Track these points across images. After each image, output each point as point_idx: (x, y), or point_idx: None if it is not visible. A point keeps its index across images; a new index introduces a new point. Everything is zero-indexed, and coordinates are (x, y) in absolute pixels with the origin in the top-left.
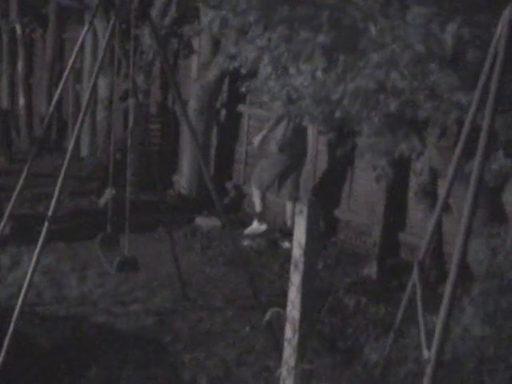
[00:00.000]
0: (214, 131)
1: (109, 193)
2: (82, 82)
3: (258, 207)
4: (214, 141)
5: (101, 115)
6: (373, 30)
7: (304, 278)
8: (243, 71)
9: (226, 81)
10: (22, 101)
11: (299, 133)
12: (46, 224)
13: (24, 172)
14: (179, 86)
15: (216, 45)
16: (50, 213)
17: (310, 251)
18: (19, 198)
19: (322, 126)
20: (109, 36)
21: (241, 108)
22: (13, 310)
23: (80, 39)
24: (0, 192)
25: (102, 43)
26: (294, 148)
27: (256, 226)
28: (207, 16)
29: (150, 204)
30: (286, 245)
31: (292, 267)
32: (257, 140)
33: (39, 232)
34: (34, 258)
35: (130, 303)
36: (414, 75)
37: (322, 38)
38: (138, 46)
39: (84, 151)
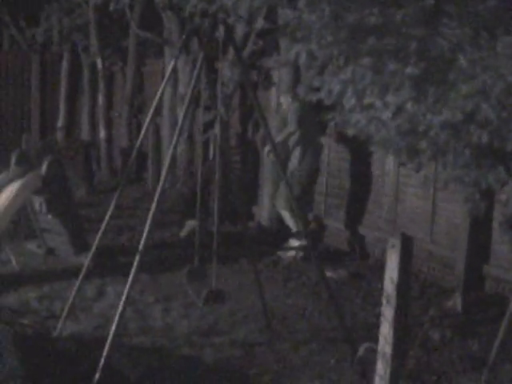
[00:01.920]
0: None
1: (190, 225)
2: (161, 114)
3: (293, 227)
4: None
5: (181, 147)
6: (462, 60)
7: (397, 314)
8: (327, 103)
9: None
10: (102, 133)
11: (316, 151)
12: (138, 257)
13: (112, 204)
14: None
15: (296, 76)
16: (141, 246)
17: (402, 286)
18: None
19: (406, 158)
20: (199, 68)
21: (321, 140)
22: (100, 340)
23: (168, 72)
24: (82, 223)
25: (183, 76)
26: (313, 165)
27: (292, 242)
28: (292, 49)
29: (232, 236)
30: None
31: (384, 302)
32: (268, 148)
33: (122, 263)
34: (126, 290)
35: (214, 335)
36: (505, 106)
37: (410, 70)
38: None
39: (165, 183)
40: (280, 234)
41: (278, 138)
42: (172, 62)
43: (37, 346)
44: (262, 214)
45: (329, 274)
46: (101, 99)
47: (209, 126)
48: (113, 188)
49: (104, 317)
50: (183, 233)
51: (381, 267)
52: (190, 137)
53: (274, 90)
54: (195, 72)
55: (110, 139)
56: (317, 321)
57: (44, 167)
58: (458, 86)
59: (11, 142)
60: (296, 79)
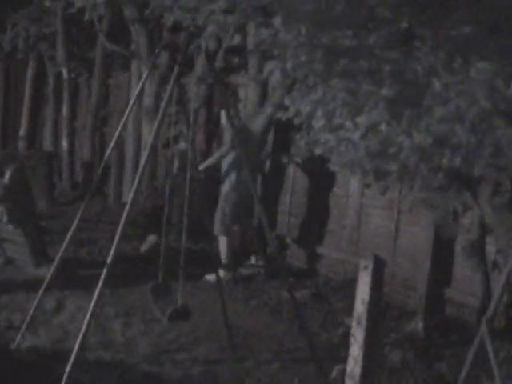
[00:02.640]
0: (259, 181)
1: (151, 239)
2: (125, 127)
3: (223, 255)
4: (258, 191)
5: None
6: (437, 84)
7: (367, 335)
8: (296, 122)
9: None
10: (65, 144)
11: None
12: (105, 271)
13: (77, 216)
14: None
15: (263, 94)
16: (109, 260)
17: (373, 308)
18: (61, 243)
19: (372, 180)
20: (173, 83)
21: (285, 158)
22: (59, 354)
23: (140, 84)
24: (43, 235)
25: (149, 89)
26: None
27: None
28: (266, 66)
29: (193, 252)
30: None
31: (354, 323)
32: (202, 168)
33: (82, 276)
34: (92, 304)
35: (175, 352)
36: (478, 131)
37: (385, 91)
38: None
39: (126, 197)
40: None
41: (210, 160)
42: (143, 76)
43: None
44: None
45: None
46: (65, 110)
47: (174, 140)
48: (73, 200)
49: (63, 330)
50: (144, 247)
51: (342, 287)
52: (154, 151)
53: (240, 107)
54: (169, 87)
55: (72, 151)
56: (279, 340)
57: (7, 176)
58: (432, 109)
59: None
60: (263, 97)
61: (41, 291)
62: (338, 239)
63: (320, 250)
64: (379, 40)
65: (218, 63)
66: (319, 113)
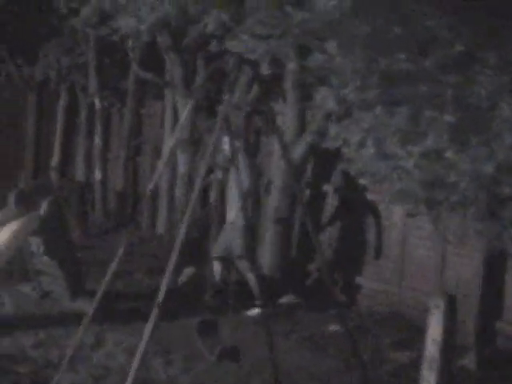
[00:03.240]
0: (298, 211)
1: (188, 272)
2: (160, 157)
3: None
4: (297, 221)
5: (179, 191)
6: (505, 109)
7: (439, 377)
8: (345, 151)
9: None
10: (98, 175)
11: None
12: (156, 310)
13: (120, 251)
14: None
15: (301, 123)
16: (159, 299)
17: (446, 348)
18: (97, 274)
19: (424, 210)
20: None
21: (326, 187)
22: None
23: (183, 115)
24: (80, 266)
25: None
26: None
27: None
28: (319, 92)
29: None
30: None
31: (426, 365)
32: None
33: (121, 310)
34: (142, 345)
35: None
36: None
37: (448, 118)
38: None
39: (160, 228)
40: (283, 282)
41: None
42: (189, 106)
43: None
44: (262, 262)
45: (333, 327)
46: (97, 140)
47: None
48: (107, 231)
49: (103, 367)
50: (181, 280)
51: (387, 320)
52: (190, 181)
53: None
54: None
55: (105, 181)
56: (326, 377)
57: (43, 207)
58: (501, 135)
59: (5, 179)
60: (301, 125)
61: (81, 328)
62: (381, 270)
63: (361, 281)
64: (437, 63)
65: (254, 92)
66: (369, 141)
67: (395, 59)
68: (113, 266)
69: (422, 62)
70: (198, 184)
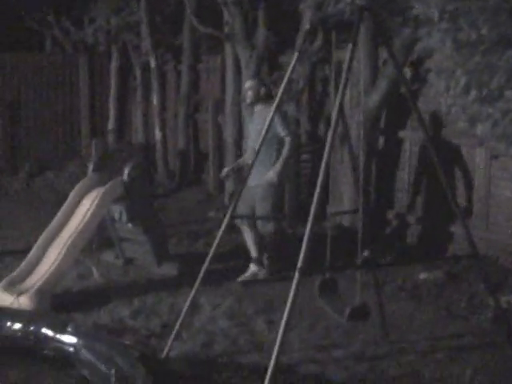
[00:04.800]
0: (374, 159)
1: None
2: (223, 113)
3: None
4: (374, 169)
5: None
6: None
7: None
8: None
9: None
10: (158, 135)
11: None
12: (297, 276)
13: (227, 215)
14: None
15: (374, 69)
16: (300, 264)
17: None
18: (177, 236)
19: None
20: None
21: (402, 133)
22: (211, 361)
23: (290, 68)
24: (164, 230)
25: (247, 72)
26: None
27: (254, 270)
28: (433, 37)
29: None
30: None
31: None
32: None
33: (207, 271)
34: (286, 315)
35: (331, 348)
36: None
37: None
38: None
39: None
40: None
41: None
42: (293, 60)
43: (149, 369)
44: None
45: (423, 275)
46: (155, 100)
47: None
48: (171, 191)
49: (207, 333)
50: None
51: (476, 265)
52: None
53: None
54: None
55: (165, 141)
56: (428, 326)
57: (126, 172)
58: None
59: (63, 146)
60: (374, 72)
61: (192, 293)
62: (466, 215)
63: (445, 227)
64: None
65: (317, 42)
66: (473, 83)
67: None
68: (220, 233)
69: None
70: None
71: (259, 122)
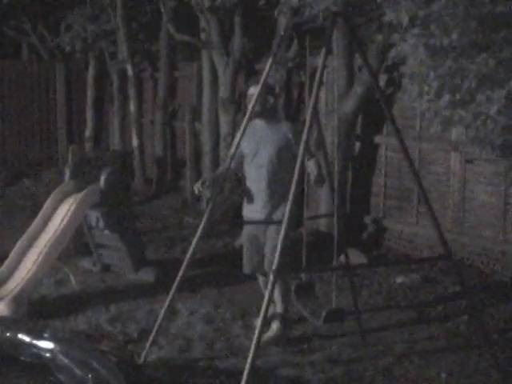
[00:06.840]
0: (350, 164)
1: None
2: (200, 120)
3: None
4: (350, 174)
5: (224, 153)
6: None
7: None
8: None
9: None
10: (135, 142)
11: None
12: (272, 278)
13: (204, 219)
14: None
15: (351, 75)
16: (274, 266)
17: None
18: (154, 242)
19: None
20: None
21: (378, 139)
22: (189, 365)
23: (264, 74)
24: (140, 236)
25: (224, 79)
26: None
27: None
28: (406, 42)
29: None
30: None
31: None
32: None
33: (184, 279)
34: (261, 316)
35: (308, 352)
36: None
37: None
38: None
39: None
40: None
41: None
42: (267, 66)
43: (126, 375)
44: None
45: (399, 279)
46: (132, 107)
47: None
48: (148, 198)
49: (184, 338)
50: (238, 243)
51: (451, 269)
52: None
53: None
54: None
55: (142, 148)
56: (406, 330)
57: (103, 179)
58: None
59: (40, 153)
60: (351, 77)
61: (170, 295)
62: (441, 219)
63: (421, 231)
64: None
65: (294, 47)
66: (446, 88)
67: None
68: (197, 235)
69: None
70: None
71: (273, 139)
